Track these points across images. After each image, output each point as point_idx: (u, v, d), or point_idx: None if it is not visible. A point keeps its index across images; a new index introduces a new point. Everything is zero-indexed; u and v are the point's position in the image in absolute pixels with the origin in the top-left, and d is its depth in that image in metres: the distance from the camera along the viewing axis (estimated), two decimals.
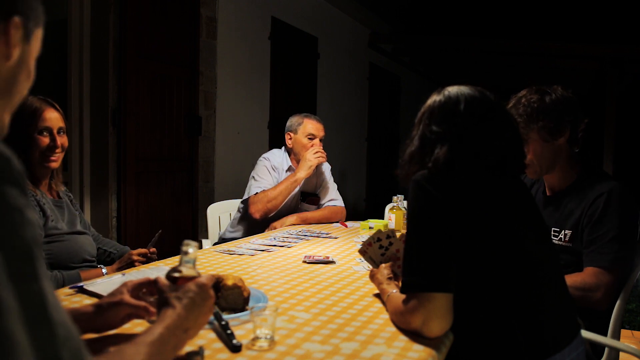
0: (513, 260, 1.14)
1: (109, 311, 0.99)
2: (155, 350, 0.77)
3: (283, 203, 2.65)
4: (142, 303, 1.00)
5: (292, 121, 2.84)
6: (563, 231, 1.68)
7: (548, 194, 1.78)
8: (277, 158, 2.83)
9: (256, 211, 2.62)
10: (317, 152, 2.68)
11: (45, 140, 1.70)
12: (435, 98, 1.25)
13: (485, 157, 1.19)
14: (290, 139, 2.82)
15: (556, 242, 1.70)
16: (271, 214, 2.66)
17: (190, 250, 0.96)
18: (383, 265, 1.41)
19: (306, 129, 2.77)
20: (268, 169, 2.75)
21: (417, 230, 1.12)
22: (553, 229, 1.71)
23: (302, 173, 2.66)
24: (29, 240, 0.52)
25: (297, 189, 2.80)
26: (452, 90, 1.24)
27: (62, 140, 1.75)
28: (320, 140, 2.79)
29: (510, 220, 1.18)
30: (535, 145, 1.66)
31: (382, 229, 1.49)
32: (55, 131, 1.72)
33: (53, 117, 1.72)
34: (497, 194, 1.19)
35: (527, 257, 1.16)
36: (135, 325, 1.08)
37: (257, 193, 2.65)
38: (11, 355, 0.47)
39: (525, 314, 1.12)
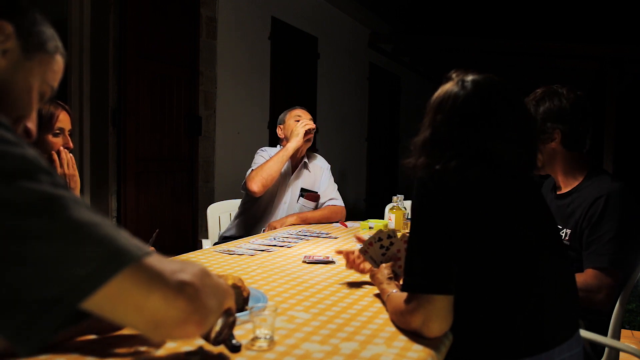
0: (513, 261, 1.13)
1: None
2: None
3: (279, 173, 2.68)
4: None
5: (280, 116, 2.95)
6: (565, 230, 1.71)
7: (557, 192, 1.82)
8: (272, 151, 2.86)
9: (253, 184, 2.64)
10: (303, 122, 2.76)
11: (59, 141, 1.74)
12: (457, 92, 1.19)
13: (499, 158, 1.18)
14: (281, 129, 2.89)
15: None
16: (270, 186, 2.68)
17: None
18: (383, 265, 1.41)
19: (293, 114, 2.86)
20: (265, 157, 2.79)
21: (420, 231, 1.11)
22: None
23: (293, 143, 2.71)
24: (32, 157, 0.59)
25: (296, 186, 2.82)
26: (478, 86, 1.19)
27: (70, 140, 1.80)
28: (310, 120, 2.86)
29: (513, 220, 1.17)
30: None
31: (383, 229, 1.49)
32: (66, 132, 1.77)
33: (66, 119, 1.78)
34: (501, 193, 1.18)
35: (528, 257, 1.15)
36: None
37: (251, 171, 2.72)
38: (97, 231, 0.57)
39: (519, 313, 1.12)
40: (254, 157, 2.86)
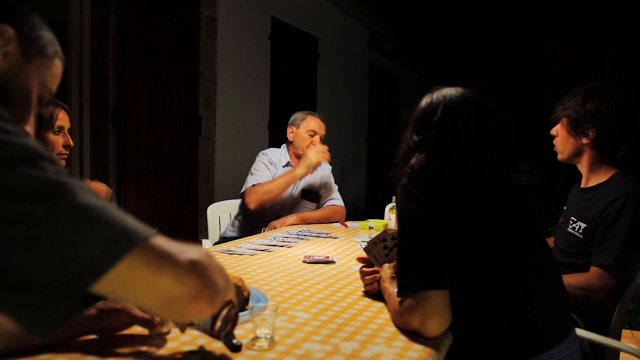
0: (499, 259, 1.15)
1: (110, 317, 0.99)
2: None
3: (279, 196, 2.65)
4: (145, 315, 1.00)
5: (296, 116, 2.86)
6: (579, 222, 1.73)
7: (582, 185, 1.84)
8: (274, 154, 2.84)
9: (251, 202, 2.62)
10: (319, 151, 2.66)
11: (60, 139, 1.76)
12: (422, 103, 1.27)
13: (462, 163, 1.19)
14: (292, 132, 2.83)
15: (569, 230, 1.76)
16: (267, 206, 2.66)
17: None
18: (386, 265, 1.42)
19: (309, 125, 2.78)
20: (265, 163, 2.77)
21: (406, 233, 1.13)
22: (572, 217, 1.77)
23: (301, 170, 2.63)
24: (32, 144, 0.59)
25: (298, 187, 2.81)
26: (436, 97, 1.25)
27: (70, 139, 1.81)
28: (321, 139, 2.81)
29: (496, 220, 1.18)
30: (564, 133, 1.78)
31: (388, 230, 1.49)
32: (66, 130, 1.77)
33: (65, 118, 1.79)
34: (481, 194, 1.20)
35: (514, 255, 1.17)
36: (136, 326, 1.08)
37: (254, 185, 2.66)
38: (104, 213, 0.58)
39: (515, 313, 1.12)
40: (255, 160, 2.83)
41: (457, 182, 1.18)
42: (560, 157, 1.83)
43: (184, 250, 0.63)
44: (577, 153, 1.77)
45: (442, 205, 1.13)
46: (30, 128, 0.75)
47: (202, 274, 0.63)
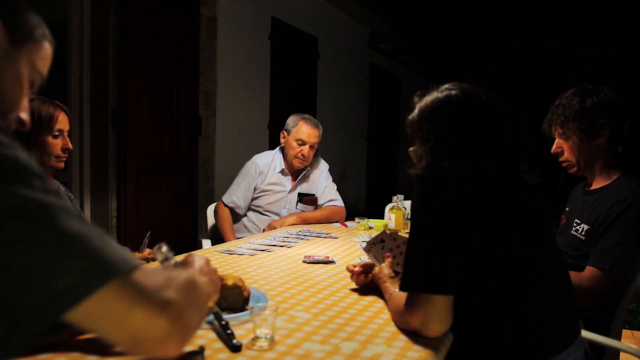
0: (508, 262, 1.13)
1: None
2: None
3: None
4: None
5: (290, 120, 2.81)
6: (582, 225, 1.72)
7: (586, 188, 1.82)
8: (265, 160, 2.80)
9: (216, 213, 2.80)
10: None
11: (59, 142, 1.73)
12: (448, 94, 1.23)
13: (481, 159, 1.18)
14: (284, 138, 2.80)
15: (573, 232, 1.75)
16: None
17: (164, 249, 0.93)
18: (384, 264, 1.42)
19: (298, 134, 2.73)
20: (251, 174, 2.77)
21: (420, 230, 1.11)
22: (575, 219, 1.76)
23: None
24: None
25: (294, 192, 2.83)
26: (455, 92, 1.23)
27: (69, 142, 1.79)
28: (312, 146, 2.76)
29: (505, 220, 1.17)
30: (573, 144, 1.73)
31: (387, 230, 1.50)
32: (65, 133, 1.75)
33: (64, 120, 1.76)
34: (495, 193, 1.18)
35: (523, 259, 1.15)
36: None
37: (227, 205, 2.76)
38: (86, 243, 0.56)
39: (518, 316, 1.11)
40: (250, 160, 2.83)
41: (475, 179, 1.16)
42: (573, 170, 1.78)
43: (161, 288, 0.61)
44: (591, 157, 1.73)
45: (459, 202, 1.11)
46: (25, 114, 0.74)
47: (174, 317, 0.60)
